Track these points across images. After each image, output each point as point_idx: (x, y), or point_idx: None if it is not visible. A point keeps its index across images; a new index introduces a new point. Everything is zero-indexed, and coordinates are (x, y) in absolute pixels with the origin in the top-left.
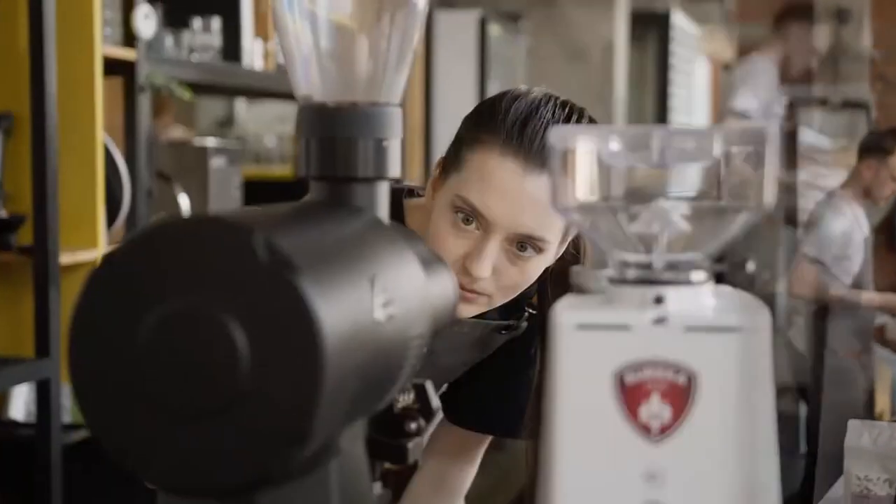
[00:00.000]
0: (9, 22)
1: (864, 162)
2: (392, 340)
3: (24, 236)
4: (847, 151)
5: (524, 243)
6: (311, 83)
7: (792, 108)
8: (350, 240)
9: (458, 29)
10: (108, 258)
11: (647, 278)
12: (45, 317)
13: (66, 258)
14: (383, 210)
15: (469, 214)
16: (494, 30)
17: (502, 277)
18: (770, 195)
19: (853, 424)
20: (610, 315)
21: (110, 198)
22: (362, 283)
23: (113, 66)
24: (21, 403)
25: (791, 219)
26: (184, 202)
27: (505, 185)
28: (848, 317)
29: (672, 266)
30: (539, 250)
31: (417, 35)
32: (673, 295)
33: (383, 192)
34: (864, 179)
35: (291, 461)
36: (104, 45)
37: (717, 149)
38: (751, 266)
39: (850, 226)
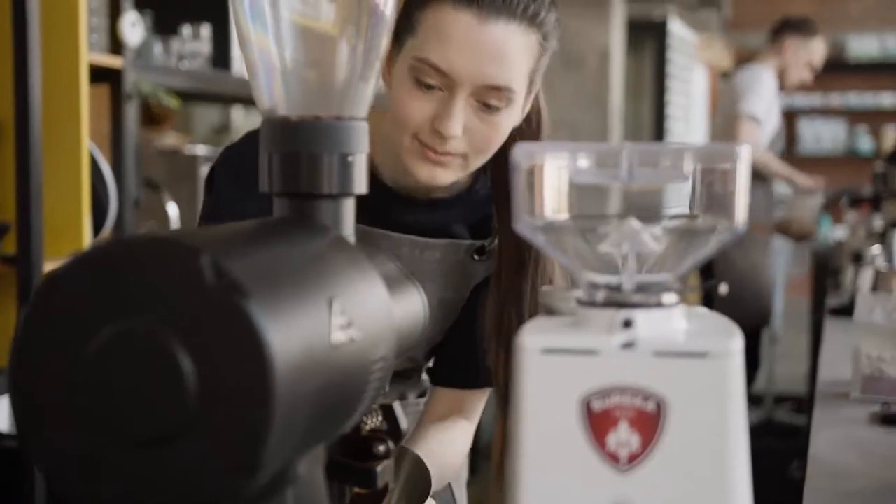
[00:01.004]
0: None
1: (783, 42)
2: (352, 364)
3: (8, 245)
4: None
5: (490, 98)
6: (274, 96)
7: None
8: (308, 260)
9: None
10: (52, 278)
11: (616, 301)
12: None
13: (50, 267)
14: (349, 227)
15: (430, 76)
16: None
17: (474, 135)
18: (742, 214)
19: (863, 297)
20: (576, 339)
21: (97, 206)
22: (319, 305)
23: (100, 74)
24: (5, 414)
25: (782, 229)
26: (172, 211)
27: (463, 37)
28: (760, 190)
29: (642, 288)
30: (507, 101)
31: (385, 44)
32: (642, 318)
33: (349, 208)
34: (783, 58)
35: (242, 492)
36: (91, 53)
37: (688, 167)
38: (723, 288)
39: (773, 93)
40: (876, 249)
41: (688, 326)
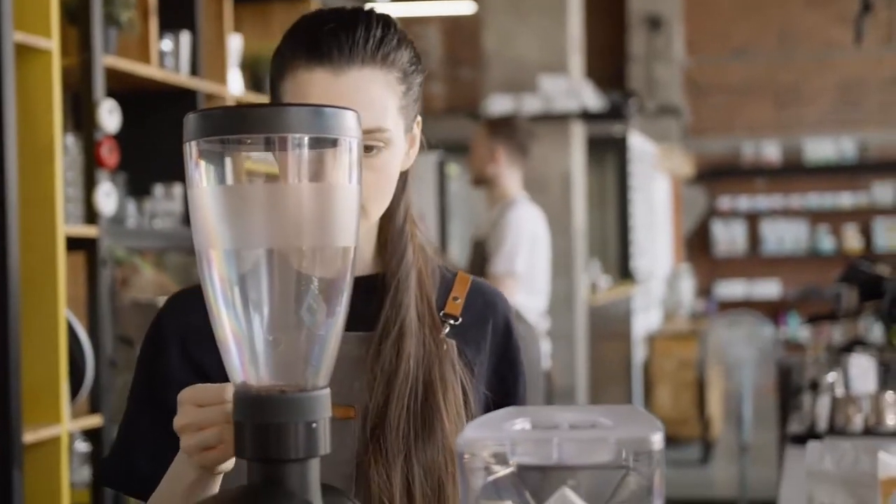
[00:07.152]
0: None
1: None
2: None
3: None
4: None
5: (364, 141)
6: (245, 371)
7: None
8: None
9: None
10: None
11: None
12: (9, 500)
13: (29, 436)
14: (314, 485)
15: None
16: (453, 169)
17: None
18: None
19: (812, 446)
20: None
21: (74, 370)
22: None
23: (76, 242)
24: None
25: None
26: None
27: (322, 93)
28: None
29: None
30: (385, 143)
31: (340, 330)
32: None
33: (314, 469)
34: None
35: None
36: (67, 224)
37: (609, 453)
38: None
39: None
40: (831, 377)
41: None
